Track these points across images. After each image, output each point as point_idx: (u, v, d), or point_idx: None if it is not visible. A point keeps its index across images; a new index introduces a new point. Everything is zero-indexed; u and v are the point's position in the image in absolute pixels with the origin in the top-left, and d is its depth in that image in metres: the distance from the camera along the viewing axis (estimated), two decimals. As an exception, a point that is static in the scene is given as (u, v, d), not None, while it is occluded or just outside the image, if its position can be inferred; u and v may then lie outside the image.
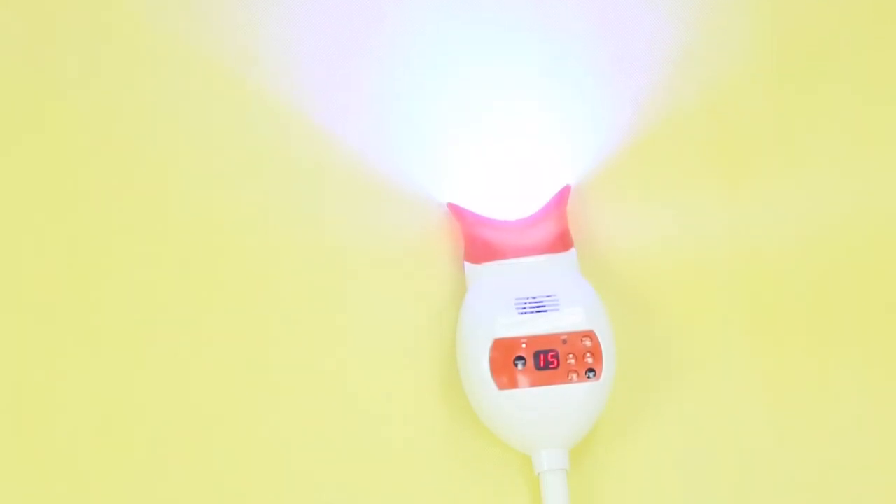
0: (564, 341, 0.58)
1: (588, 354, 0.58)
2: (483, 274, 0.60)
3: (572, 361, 0.58)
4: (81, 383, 0.58)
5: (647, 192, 0.63)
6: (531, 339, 0.58)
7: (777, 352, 0.61)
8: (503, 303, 0.59)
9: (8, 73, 0.62)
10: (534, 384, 0.57)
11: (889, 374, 0.61)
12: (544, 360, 0.58)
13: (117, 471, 0.57)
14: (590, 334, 0.58)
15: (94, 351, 0.59)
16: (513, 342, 0.58)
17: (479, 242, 0.60)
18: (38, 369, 0.58)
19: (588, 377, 0.58)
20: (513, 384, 0.57)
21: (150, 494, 0.57)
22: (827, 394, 0.61)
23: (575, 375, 0.58)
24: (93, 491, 0.57)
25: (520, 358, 0.58)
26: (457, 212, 0.61)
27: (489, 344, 0.58)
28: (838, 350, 0.61)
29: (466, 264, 0.60)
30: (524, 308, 0.58)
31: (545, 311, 0.58)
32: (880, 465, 0.60)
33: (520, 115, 0.63)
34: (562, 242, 0.60)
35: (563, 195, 0.61)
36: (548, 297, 0.59)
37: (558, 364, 0.58)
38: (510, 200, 0.61)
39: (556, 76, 0.63)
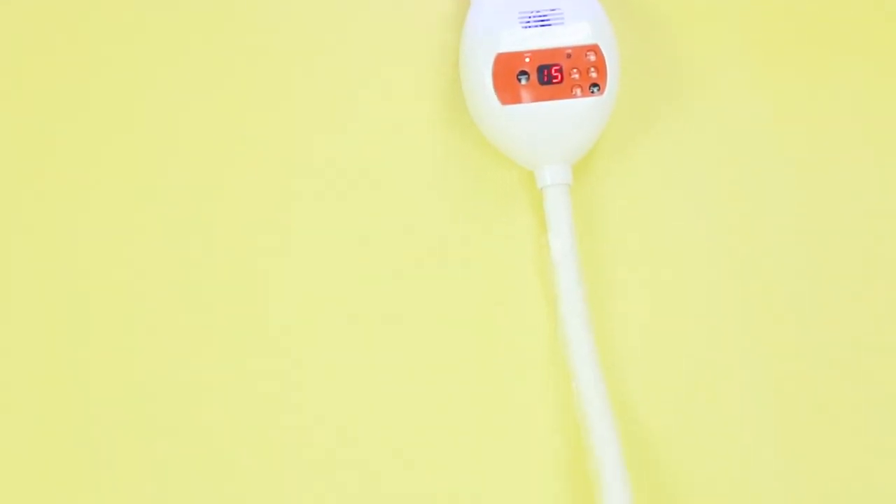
0: (569, 55, 0.57)
1: (592, 69, 0.57)
2: (487, -12, 0.59)
3: (576, 76, 0.57)
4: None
5: None
6: (535, 54, 0.57)
7: (783, 70, 0.61)
8: (507, 17, 0.58)
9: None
10: (537, 99, 0.57)
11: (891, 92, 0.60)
12: (548, 74, 0.57)
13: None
14: (594, 48, 0.57)
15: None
16: (516, 57, 0.57)
17: (483, -44, 0.59)
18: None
19: (592, 92, 0.57)
20: (516, 99, 0.57)
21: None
22: (830, 113, 0.60)
23: (579, 90, 0.57)
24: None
25: (523, 73, 0.57)
26: (460, -74, 0.60)
27: (492, 59, 0.57)
28: (842, 69, 0.61)
29: (470, -21, 0.60)
30: (528, 22, 0.58)
31: (549, 25, 0.58)
32: (878, 189, 0.60)
33: None
34: (567, -45, 0.59)
35: None
36: (552, 10, 0.58)
37: (562, 79, 0.57)
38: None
39: None
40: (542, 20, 0.57)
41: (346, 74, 0.60)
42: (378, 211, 0.58)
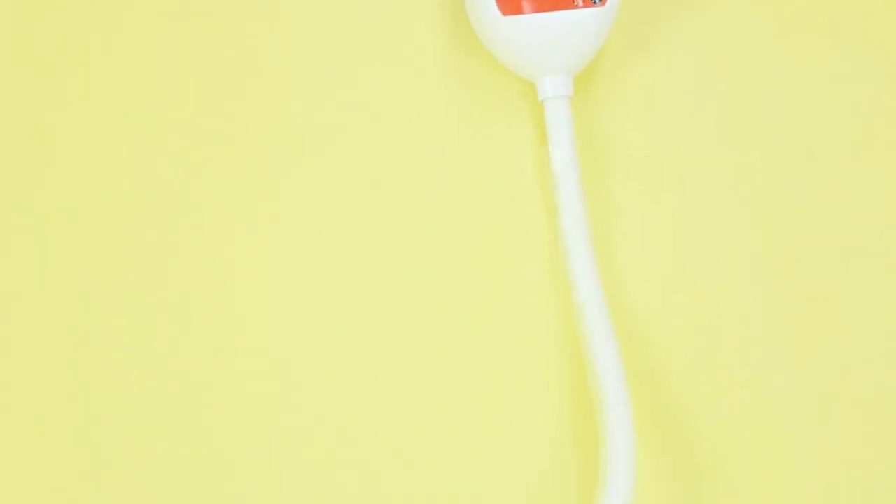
0: (570, -35, 0.57)
1: (594, -21, 0.57)
2: None
3: (578, -14, 0.57)
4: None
5: None
6: (536, -37, 0.57)
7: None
8: (508, -74, 0.57)
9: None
10: (538, 9, 0.56)
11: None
12: (550, -16, 0.57)
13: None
14: (596, -42, 0.57)
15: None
16: (517, -34, 0.57)
17: None
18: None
19: (594, 3, 0.57)
20: (517, 10, 0.57)
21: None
22: (832, 28, 0.60)
23: (580, 0, 0.57)
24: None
25: (525, -17, 0.57)
26: None
27: (493, -31, 0.57)
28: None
29: None
30: (529, -69, 0.57)
31: (551, -66, 0.57)
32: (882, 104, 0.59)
33: None
34: None
35: None
36: (554, -81, 0.57)
37: (563, -11, 0.57)
38: None
39: None
40: (544, -71, 0.57)
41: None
42: (377, 126, 0.58)
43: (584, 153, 0.58)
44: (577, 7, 0.57)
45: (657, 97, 0.59)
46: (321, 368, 0.55)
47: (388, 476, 0.54)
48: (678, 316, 0.56)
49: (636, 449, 0.51)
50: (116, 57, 0.59)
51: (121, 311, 0.55)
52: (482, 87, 0.59)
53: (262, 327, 0.55)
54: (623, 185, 0.58)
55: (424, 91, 0.58)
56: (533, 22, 0.56)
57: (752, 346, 0.56)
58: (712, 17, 0.60)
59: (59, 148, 0.57)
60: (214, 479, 0.54)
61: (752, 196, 0.58)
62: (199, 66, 0.59)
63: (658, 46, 0.60)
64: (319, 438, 0.54)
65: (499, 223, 0.57)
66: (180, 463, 0.53)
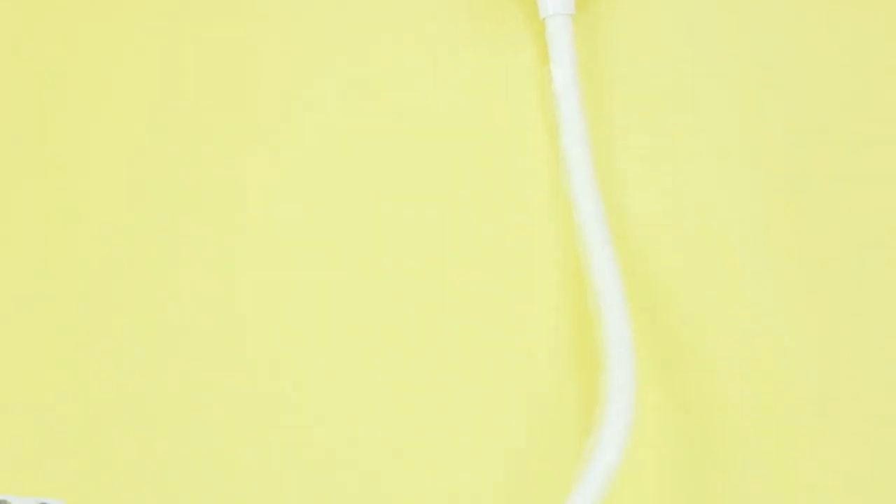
0: None
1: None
2: None
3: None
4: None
5: None
6: None
7: None
8: None
9: None
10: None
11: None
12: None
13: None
14: None
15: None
16: None
17: None
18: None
19: (597, -82, 0.56)
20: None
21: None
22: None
23: (583, -85, 0.56)
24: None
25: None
26: None
27: None
28: None
29: None
30: None
31: None
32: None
33: None
34: None
35: None
36: None
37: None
38: None
39: None
40: None
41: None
42: (375, 49, 0.58)
43: (585, 72, 0.57)
44: (579, -78, 0.56)
45: (661, 16, 0.58)
46: (319, 295, 0.55)
47: (387, 404, 0.53)
48: (679, 236, 0.55)
49: (637, 370, 0.51)
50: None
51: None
52: (482, 5, 0.58)
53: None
54: (625, 105, 0.57)
55: (423, 10, 0.58)
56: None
57: (752, 267, 0.55)
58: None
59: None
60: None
61: (756, 118, 0.57)
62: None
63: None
64: (312, 379, 0.54)
65: (498, 142, 0.56)
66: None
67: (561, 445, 0.52)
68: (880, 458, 0.52)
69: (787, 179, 0.56)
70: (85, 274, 0.55)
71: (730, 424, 0.52)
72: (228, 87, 0.58)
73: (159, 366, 0.54)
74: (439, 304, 0.54)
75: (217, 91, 0.58)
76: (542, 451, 0.52)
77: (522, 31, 0.58)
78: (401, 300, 0.55)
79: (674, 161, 0.56)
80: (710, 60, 0.58)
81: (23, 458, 0.51)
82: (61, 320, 0.54)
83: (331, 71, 0.58)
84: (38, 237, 0.56)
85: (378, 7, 0.58)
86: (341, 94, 0.57)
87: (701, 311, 0.54)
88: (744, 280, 0.55)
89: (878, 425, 0.53)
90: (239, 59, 0.58)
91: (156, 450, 0.52)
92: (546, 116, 0.56)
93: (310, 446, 0.52)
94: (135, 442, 0.52)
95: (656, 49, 0.58)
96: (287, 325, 0.54)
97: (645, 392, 0.52)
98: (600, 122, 0.56)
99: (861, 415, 0.53)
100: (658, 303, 0.54)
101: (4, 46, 0.59)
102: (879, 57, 0.58)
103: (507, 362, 0.54)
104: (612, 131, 0.57)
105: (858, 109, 0.57)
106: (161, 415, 0.53)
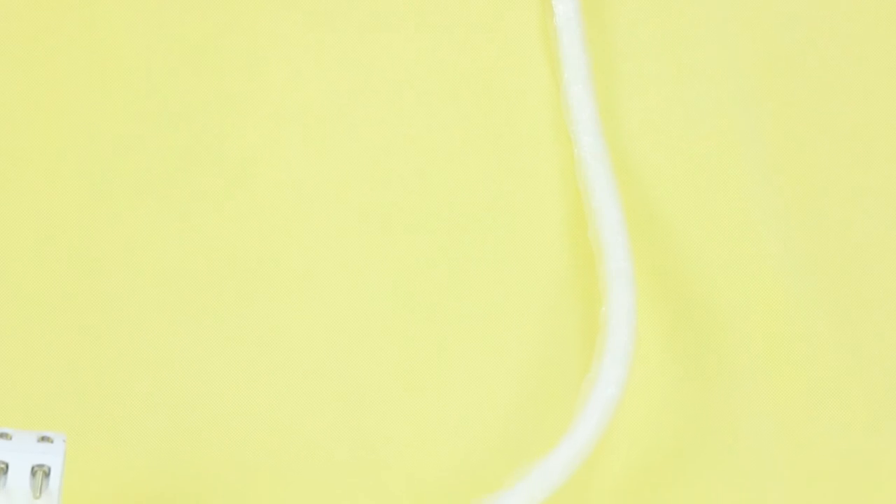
0: None
1: None
2: None
3: None
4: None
5: None
6: None
7: None
8: None
9: None
10: None
11: None
12: None
13: None
14: None
15: None
16: None
17: None
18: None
19: None
20: None
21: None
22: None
23: None
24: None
25: None
26: None
27: None
28: None
29: None
30: None
31: None
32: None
33: None
34: None
35: None
36: None
37: None
38: None
39: None
40: None
41: None
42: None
43: (588, 6, 0.57)
44: None
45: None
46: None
47: (388, 333, 0.53)
48: (681, 168, 0.55)
49: (637, 302, 0.51)
50: None
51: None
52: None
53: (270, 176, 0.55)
54: (628, 39, 0.57)
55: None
56: None
57: (753, 197, 0.55)
58: None
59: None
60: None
61: (759, 52, 0.57)
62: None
63: None
64: (321, 301, 0.54)
65: (500, 76, 0.56)
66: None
67: (561, 379, 0.52)
68: (881, 384, 0.52)
69: (789, 110, 0.56)
70: (86, 189, 0.55)
71: (731, 356, 0.52)
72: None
73: (161, 292, 0.53)
74: (439, 238, 0.54)
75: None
76: (541, 385, 0.52)
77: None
78: (404, 230, 0.54)
79: (676, 95, 0.56)
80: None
81: (23, 390, 0.51)
82: (61, 248, 0.54)
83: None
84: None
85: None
86: (337, 25, 0.57)
87: (702, 243, 0.54)
88: (744, 212, 0.55)
89: (880, 352, 0.53)
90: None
91: (159, 381, 0.52)
92: (548, 50, 0.56)
93: (316, 368, 0.52)
94: (137, 374, 0.52)
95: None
96: (295, 236, 0.54)
97: (645, 325, 0.52)
98: (602, 53, 0.56)
99: (863, 340, 0.53)
100: (658, 236, 0.54)
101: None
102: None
103: (507, 295, 0.54)
104: (615, 60, 0.56)
105: (862, 43, 0.57)
106: (163, 346, 0.53)
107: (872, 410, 0.51)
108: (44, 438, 0.44)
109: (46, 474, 0.43)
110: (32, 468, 0.43)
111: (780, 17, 0.57)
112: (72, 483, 0.45)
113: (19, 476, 0.43)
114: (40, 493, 0.43)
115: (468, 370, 0.52)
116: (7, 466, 0.43)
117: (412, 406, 0.52)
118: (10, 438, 0.44)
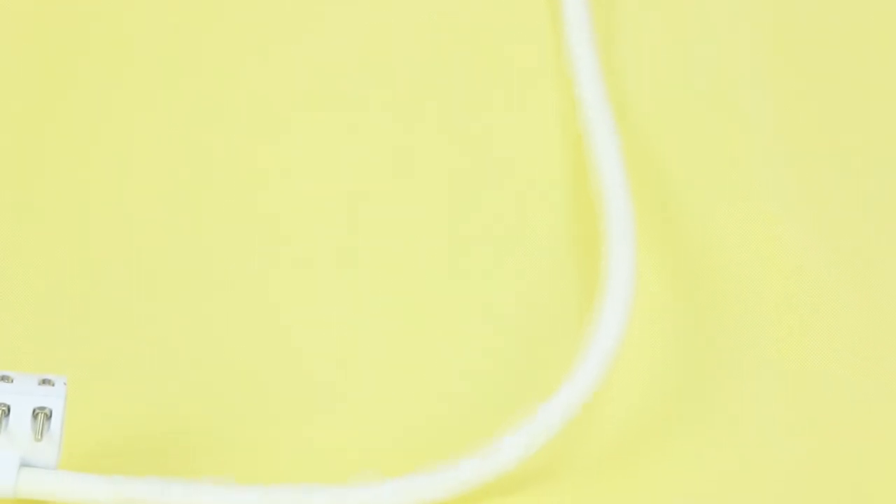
0: None
1: None
2: None
3: None
4: None
5: None
6: None
7: None
8: None
9: None
10: None
11: None
12: None
13: None
14: None
15: None
16: None
17: None
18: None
19: None
20: None
21: None
22: None
23: None
24: None
25: None
26: None
27: None
28: None
29: None
30: None
31: None
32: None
33: None
34: None
35: None
36: None
37: None
38: None
39: None
40: None
41: None
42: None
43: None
44: None
45: None
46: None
47: (384, 277, 0.53)
48: (682, 111, 0.55)
49: (637, 248, 0.51)
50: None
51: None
52: None
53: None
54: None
55: None
56: None
57: (756, 144, 0.55)
58: None
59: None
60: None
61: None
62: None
63: None
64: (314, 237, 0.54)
65: (501, 21, 0.57)
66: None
67: (561, 325, 0.52)
68: (885, 329, 0.52)
69: (791, 57, 0.56)
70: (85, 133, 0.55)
71: (733, 302, 0.52)
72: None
73: (166, 239, 0.54)
74: (439, 183, 0.54)
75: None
76: (541, 332, 0.52)
77: None
78: (404, 171, 0.54)
79: (677, 33, 0.56)
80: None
81: (24, 333, 0.51)
82: (61, 188, 0.54)
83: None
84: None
85: None
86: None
87: (703, 188, 0.54)
88: (746, 159, 0.54)
89: (885, 296, 0.53)
90: None
91: (161, 323, 0.52)
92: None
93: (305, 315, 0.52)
94: (139, 316, 0.52)
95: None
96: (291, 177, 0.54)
97: (646, 271, 0.52)
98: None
99: (867, 284, 0.53)
100: (660, 182, 0.54)
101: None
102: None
103: (507, 240, 0.54)
104: (616, 6, 0.56)
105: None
106: (165, 288, 0.53)
107: (876, 355, 0.51)
108: (45, 381, 0.44)
109: (48, 417, 0.43)
110: (34, 411, 0.43)
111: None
112: (73, 425, 0.45)
113: (20, 419, 0.43)
114: (41, 435, 0.43)
115: (468, 316, 0.52)
116: (8, 409, 0.43)
117: (411, 351, 0.52)
118: (11, 381, 0.44)
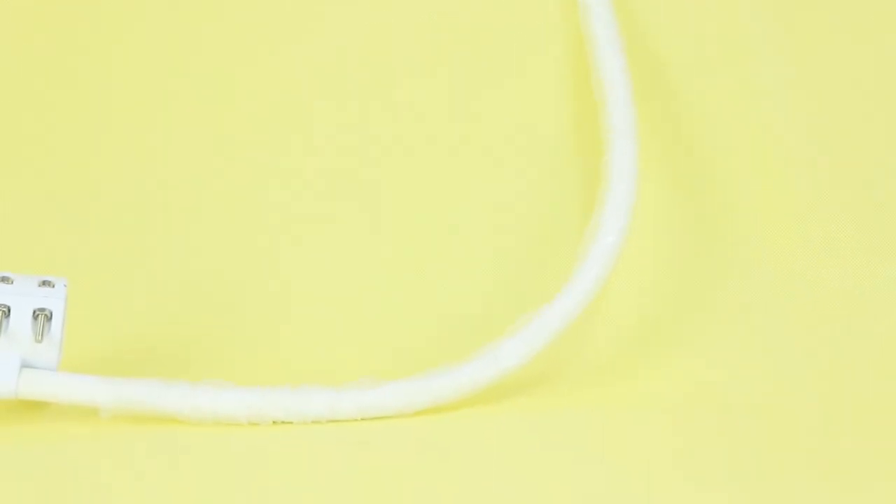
0: None
1: None
2: None
3: None
4: None
5: None
6: None
7: None
8: None
9: None
10: None
11: None
12: None
13: None
14: None
15: None
16: None
17: None
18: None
19: None
20: None
21: None
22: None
23: None
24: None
25: None
26: None
27: None
28: None
29: None
30: None
31: None
32: None
33: None
34: None
35: None
36: None
37: None
38: None
39: None
40: None
41: None
42: None
43: None
44: None
45: None
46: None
47: (385, 165, 0.53)
48: (684, 21, 0.55)
49: (638, 154, 0.51)
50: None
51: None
52: None
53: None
54: None
55: None
56: None
57: (756, 54, 0.54)
58: None
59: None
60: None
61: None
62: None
63: None
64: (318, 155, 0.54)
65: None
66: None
67: (562, 228, 0.52)
68: (878, 229, 0.52)
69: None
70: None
71: (731, 204, 0.52)
72: None
73: (163, 140, 0.53)
74: (440, 89, 0.54)
75: None
76: (543, 234, 0.52)
77: None
78: (405, 78, 0.54)
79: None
80: None
81: (24, 234, 0.51)
82: (67, 98, 0.54)
83: None
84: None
85: None
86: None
87: (705, 94, 0.54)
88: (748, 65, 0.54)
89: (878, 198, 0.53)
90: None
91: (161, 227, 0.52)
92: None
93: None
94: (140, 221, 0.52)
95: None
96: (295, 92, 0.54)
97: (646, 174, 0.52)
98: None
99: (862, 186, 0.53)
100: (661, 86, 0.54)
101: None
102: None
103: (509, 144, 0.53)
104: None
105: None
106: (166, 198, 0.53)
107: (870, 253, 0.51)
108: (45, 283, 0.44)
109: (48, 318, 0.43)
110: (34, 312, 0.43)
111: None
112: (73, 327, 0.45)
113: (21, 320, 0.43)
114: (42, 336, 0.43)
115: (469, 219, 0.52)
116: (9, 310, 0.43)
117: (414, 258, 0.52)
118: (12, 283, 0.44)
